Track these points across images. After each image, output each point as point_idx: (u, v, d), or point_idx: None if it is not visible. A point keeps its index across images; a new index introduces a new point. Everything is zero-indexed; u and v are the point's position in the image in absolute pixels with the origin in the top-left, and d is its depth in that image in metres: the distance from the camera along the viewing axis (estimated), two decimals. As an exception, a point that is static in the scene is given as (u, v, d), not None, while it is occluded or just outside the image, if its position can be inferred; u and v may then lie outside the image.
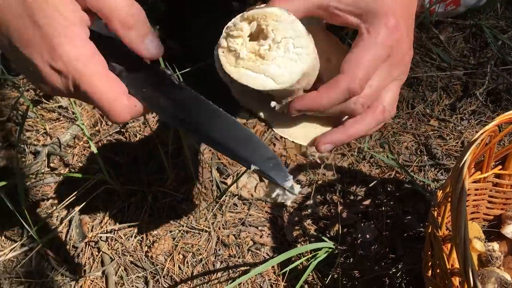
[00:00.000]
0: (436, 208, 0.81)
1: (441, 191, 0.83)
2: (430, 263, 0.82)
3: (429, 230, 0.83)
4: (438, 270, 0.78)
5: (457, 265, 0.74)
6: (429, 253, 0.82)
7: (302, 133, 0.59)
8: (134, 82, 0.49)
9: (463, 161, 0.69)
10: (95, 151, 0.93)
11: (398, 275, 0.95)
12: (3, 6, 0.43)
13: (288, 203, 0.53)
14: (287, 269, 0.87)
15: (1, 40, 0.46)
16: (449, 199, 0.77)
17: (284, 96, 0.53)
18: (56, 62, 0.44)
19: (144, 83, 0.49)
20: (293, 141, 0.59)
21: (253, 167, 0.50)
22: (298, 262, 0.85)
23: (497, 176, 0.93)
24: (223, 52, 0.49)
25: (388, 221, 1.03)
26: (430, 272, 0.82)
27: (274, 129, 0.58)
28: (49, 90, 0.48)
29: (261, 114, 0.59)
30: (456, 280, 0.72)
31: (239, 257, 0.99)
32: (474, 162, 0.88)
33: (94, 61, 0.46)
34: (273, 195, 0.52)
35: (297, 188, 0.51)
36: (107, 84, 0.46)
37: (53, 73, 0.45)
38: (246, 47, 0.49)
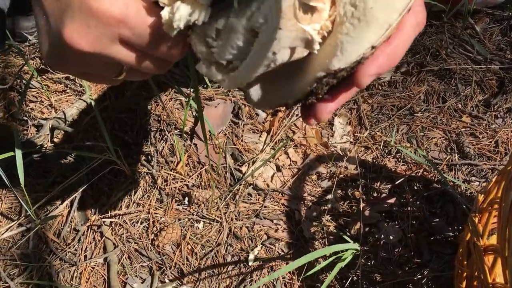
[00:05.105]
0: (477, 214, 0.73)
1: (482, 195, 0.75)
2: (465, 274, 0.74)
3: (467, 238, 0.75)
4: (475, 283, 0.71)
5: (499, 279, 0.66)
6: (465, 262, 0.75)
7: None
8: None
9: (517, 165, 0.61)
10: (103, 128, 0.85)
11: (423, 282, 0.88)
12: None
13: None
14: (309, 273, 0.80)
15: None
16: (495, 206, 0.69)
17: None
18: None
19: None
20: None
21: None
22: (319, 266, 0.78)
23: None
24: None
25: (414, 222, 0.96)
26: (464, 283, 0.75)
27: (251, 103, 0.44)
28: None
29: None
30: (499, 297, 0.65)
31: (251, 252, 0.91)
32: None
33: None
34: None
35: None
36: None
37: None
38: None
